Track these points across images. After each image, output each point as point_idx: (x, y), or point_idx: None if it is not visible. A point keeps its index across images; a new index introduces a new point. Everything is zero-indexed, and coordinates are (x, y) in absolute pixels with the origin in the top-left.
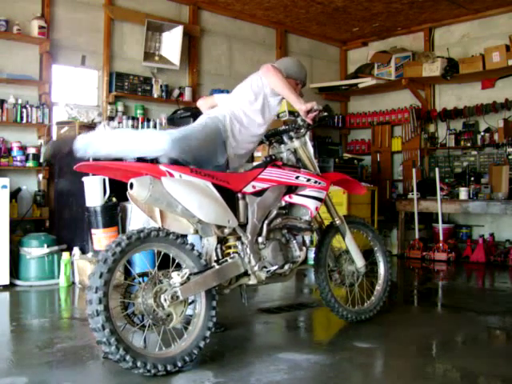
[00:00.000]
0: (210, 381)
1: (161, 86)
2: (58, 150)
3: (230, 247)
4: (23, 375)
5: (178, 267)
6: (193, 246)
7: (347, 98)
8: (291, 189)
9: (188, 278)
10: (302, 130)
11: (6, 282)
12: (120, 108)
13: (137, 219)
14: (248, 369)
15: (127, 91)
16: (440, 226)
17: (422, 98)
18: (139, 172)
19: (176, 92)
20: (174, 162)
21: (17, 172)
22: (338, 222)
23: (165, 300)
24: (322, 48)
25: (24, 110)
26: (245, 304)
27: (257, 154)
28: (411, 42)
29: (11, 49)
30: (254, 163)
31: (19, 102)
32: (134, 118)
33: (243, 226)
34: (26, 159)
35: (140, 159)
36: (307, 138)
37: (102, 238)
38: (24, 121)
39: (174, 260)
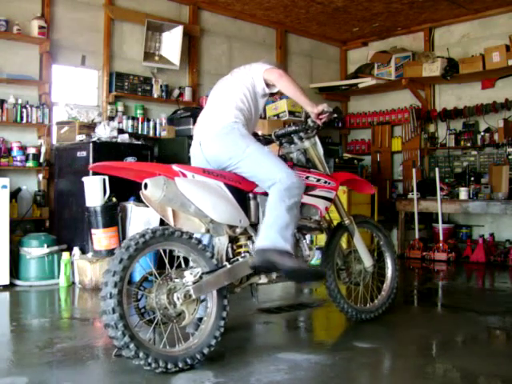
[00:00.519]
0: (210, 381)
1: (161, 86)
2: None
3: (241, 246)
4: (23, 375)
5: (181, 266)
6: (212, 254)
7: (347, 98)
8: None
9: (200, 277)
10: (312, 131)
11: (6, 281)
12: (120, 108)
13: (137, 219)
14: (248, 369)
15: (127, 91)
16: (440, 226)
17: (422, 98)
18: (153, 172)
19: (176, 92)
20: None
21: (17, 172)
22: (346, 222)
23: (178, 298)
24: (322, 48)
25: (24, 110)
26: (255, 303)
27: None
28: (411, 42)
29: (11, 49)
30: None
31: (19, 101)
32: (134, 118)
33: (254, 226)
34: (26, 159)
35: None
36: (317, 138)
37: (101, 238)
38: (24, 121)
39: (180, 259)
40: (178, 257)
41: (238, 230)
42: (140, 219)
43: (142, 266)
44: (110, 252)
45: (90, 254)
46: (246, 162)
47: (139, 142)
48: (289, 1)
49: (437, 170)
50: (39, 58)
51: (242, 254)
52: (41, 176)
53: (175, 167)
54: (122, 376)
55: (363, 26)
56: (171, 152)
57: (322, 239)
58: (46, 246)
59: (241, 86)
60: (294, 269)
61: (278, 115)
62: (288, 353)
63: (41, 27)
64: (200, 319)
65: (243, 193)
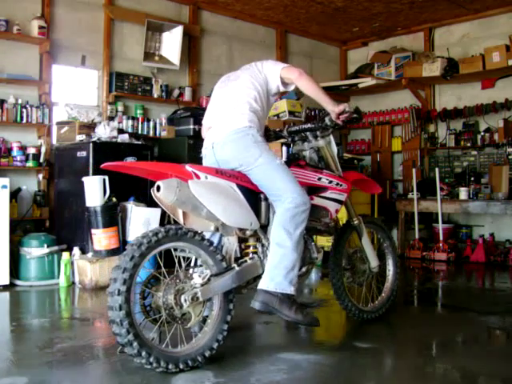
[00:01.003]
0: (210, 381)
1: (161, 86)
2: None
3: (249, 246)
4: (23, 375)
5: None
6: (223, 257)
7: (347, 98)
8: (312, 189)
9: (209, 280)
10: (328, 130)
11: (6, 281)
12: (120, 108)
13: (137, 219)
14: (248, 369)
15: (127, 91)
16: (440, 226)
17: (422, 98)
18: (165, 173)
19: (176, 92)
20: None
21: (17, 172)
22: (356, 222)
23: (185, 300)
24: (322, 48)
25: (24, 110)
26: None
27: None
28: (411, 42)
29: (11, 49)
30: None
31: (19, 101)
32: (134, 118)
33: (264, 227)
34: (26, 159)
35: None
36: (332, 137)
37: (101, 238)
38: (24, 121)
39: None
40: (178, 257)
41: (248, 232)
42: (140, 219)
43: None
44: (110, 252)
45: (90, 254)
46: (256, 172)
47: (139, 142)
48: (289, 1)
49: (437, 170)
50: (39, 57)
51: (250, 256)
52: (41, 176)
53: (188, 167)
54: (121, 376)
55: (363, 26)
56: (171, 152)
57: (321, 239)
58: (45, 245)
59: (254, 84)
60: (289, 319)
61: (278, 115)
62: (288, 353)
63: (41, 27)
64: (204, 320)
65: (255, 193)
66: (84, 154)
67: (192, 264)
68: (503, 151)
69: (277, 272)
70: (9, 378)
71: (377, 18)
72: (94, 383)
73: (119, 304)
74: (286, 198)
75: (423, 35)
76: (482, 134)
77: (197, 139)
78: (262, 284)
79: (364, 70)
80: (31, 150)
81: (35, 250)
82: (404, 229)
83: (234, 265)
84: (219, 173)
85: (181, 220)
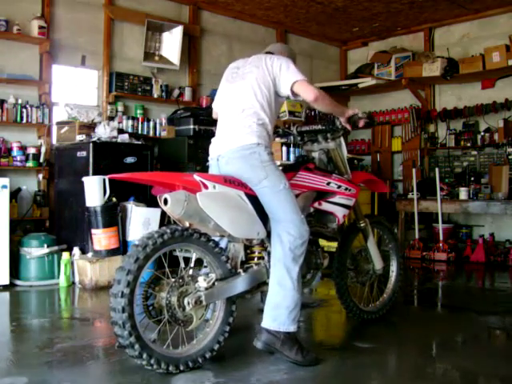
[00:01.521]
0: (210, 381)
1: (161, 86)
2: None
3: (254, 251)
4: (23, 375)
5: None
6: (228, 258)
7: (347, 98)
8: (320, 194)
9: (213, 284)
10: (338, 132)
11: (6, 281)
12: (120, 108)
13: (137, 219)
14: (248, 369)
15: (127, 91)
16: (440, 226)
17: (422, 98)
18: (173, 184)
19: (176, 92)
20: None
21: (17, 172)
22: (362, 225)
23: (188, 303)
24: (322, 48)
25: (24, 110)
26: (263, 309)
27: None
28: (411, 42)
29: (11, 49)
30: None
31: (19, 101)
32: (134, 118)
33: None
34: (26, 159)
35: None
36: (342, 139)
37: (102, 238)
38: (24, 121)
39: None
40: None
41: (255, 241)
42: (140, 219)
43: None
44: (110, 252)
45: (90, 254)
46: (258, 192)
47: (139, 142)
48: (289, 1)
49: (437, 170)
50: (39, 58)
51: (256, 261)
52: (41, 176)
53: (196, 177)
54: (121, 376)
55: (363, 26)
56: (171, 152)
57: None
58: (46, 246)
59: (262, 88)
60: (290, 360)
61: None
62: None
63: (41, 27)
64: (206, 320)
65: None
66: (84, 153)
67: (194, 264)
68: (503, 151)
69: (279, 312)
70: (9, 377)
71: (377, 18)
72: (94, 383)
73: (122, 306)
74: (285, 227)
75: (423, 35)
76: (482, 133)
77: (197, 139)
78: (265, 323)
79: (364, 70)
80: (31, 150)
81: (35, 250)
82: (404, 229)
83: (240, 270)
84: (228, 181)
85: (186, 225)
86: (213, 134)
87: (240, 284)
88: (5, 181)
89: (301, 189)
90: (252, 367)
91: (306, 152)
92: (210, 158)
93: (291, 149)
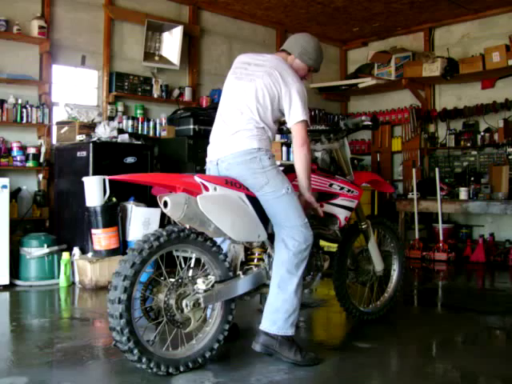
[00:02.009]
0: (210, 381)
1: (161, 86)
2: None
3: (254, 253)
4: (23, 375)
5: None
6: (226, 256)
7: (347, 98)
8: (322, 195)
9: (212, 286)
10: (342, 133)
11: (6, 281)
12: (120, 108)
13: (137, 219)
14: (248, 369)
15: (127, 91)
16: (440, 226)
17: (422, 97)
18: (173, 186)
19: (176, 92)
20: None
21: (17, 172)
22: (364, 226)
23: (186, 305)
24: (322, 48)
25: (24, 110)
26: (262, 310)
27: None
28: (411, 42)
29: (11, 49)
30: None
31: (19, 101)
32: (134, 118)
33: (271, 236)
34: (26, 159)
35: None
36: (346, 140)
37: (101, 238)
38: (24, 121)
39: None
40: (178, 257)
41: (256, 244)
42: (140, 219)
43: None
44: (110, 252)
45: (89, 254)
46: (260, 198)
47: (139, 142)
48: (289, 1)
49: (437, 170)
50: (39, 58)
51: (256, 262)
52: (41, 176)
53: (197, 178)
54: (121, 376)
55: (363, 26)
56: (171, 152)
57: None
58: (46, 246)
59: (266, 97)
60: (289, 361)
61: None
62: None
63: (41, 27)
64: (204, 319)
65: None
66: (84, 153)
67: (191, 264)
68: (503, 151)
69: (278, 316)
70: (9, 377)
71: (377, 18)
72: (94, 383)
73: (120, 312)
74: (288, 232)
75: (423, 35)
76: (482, 134)
77: (197, 139)
78: (264, 326)
79: (364, 70)
80: (31, 150)
81: (35, 250)
82: (404, 229)
83: (239, 272)
84: (229, 183)
85: (186, 226)
86: None
87: (239, 286)
88: (5, 181)
89: None
90: (252, 367)
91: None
92: (208, 161)
93: (291, 149)
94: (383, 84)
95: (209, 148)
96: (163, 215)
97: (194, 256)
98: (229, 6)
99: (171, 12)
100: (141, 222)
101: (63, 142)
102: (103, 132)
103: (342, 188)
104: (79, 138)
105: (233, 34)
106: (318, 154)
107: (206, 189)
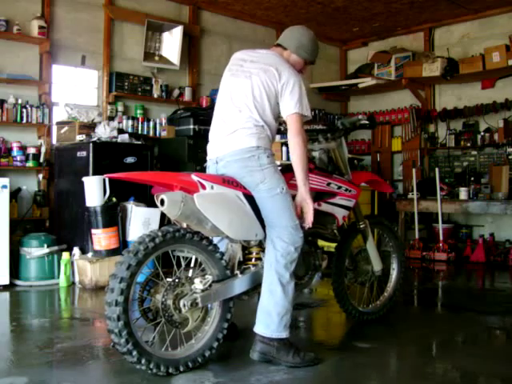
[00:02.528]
0: (210, 381)
1: (161, 86)
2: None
3: (252, 252)
4: (23, 375)
5: (188, 266)
6: (222, 254)
7: (347, 98)
8: (320, 195)
9: (210, 285)
10: (339, 133)
11: (6, 281)
12: (120, 108)
13: (137, 219)
14: (248, 369)
15: (127, 91)
16: (440, 226)
17: (422, 97)
18: (170, 184)
19: (176, 92)
20: None
21: (17, 172)
22: (362, 226)
23: (184, 305)
24: (322, 48)
25: (24, 110)
26: None
27: None
28: (411, 42)
29: (11, 49)
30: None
31: (19, 101)
32: (134, 118)
33: None
34: (26, 159)
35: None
36: (343, 139)
37: (101, 238)
38: (24, 121)
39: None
40: (177, 257)
41: (253, 243)
42: (140, 219)
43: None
44: (110, 252)
45: (90, 254)
46: (256, 196)
47: (139, 142)
48: (289, 1)
49: (437, 170)
50: (39, 58)
51: (253, 262)
52: (41, 176)
53: (194, 177)
54: (121, 376)
55: (363, 26)
56: (171, 152)
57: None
58: (46, 246)
59: (264, 94)
60: (288, 365)
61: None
62: None
63: (41, 27)
64: (203, 318)
65: None
66: (84, 154)
67: (191, 263)
68: (503, 151)
69: (271, 319)
70: (9, 378)
71: (377, 18)
72: (94, 383)
73: (117, 315)
74: (278, 232)
75: (423, 35)
76: (482, 134)
77: (197, 139)
78: (258, 329)
79: (364, 70)
80: (31, 150)
81: (35, 250)
82: (404, 229)
83: (237, 271)
84: (226, 182)
85: (183, 225)
86: None
87: (237, 286)
88: (5, 181)
89: None
90: (252, 367)
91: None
92: (208, 159)
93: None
94: (383, 84)
95: (208, 146)
96: (163, 215)
97: (191, 256)
98: (229, 6)
99: (171, 12)
100: (141, 222)
101: (63, 142)
102: (103, 132)
103: (339, 187)
104: (79, 138)
105: (233, 34)
106: (316, 154)
107: (203, 187)
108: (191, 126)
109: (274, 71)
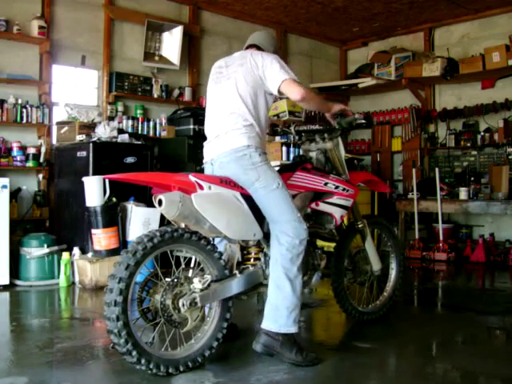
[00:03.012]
0: (210, 381)
1: (161, 86)
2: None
3: (251, 252)
4: (23, 375)
5: (187, 266)
6: (221, 254)
7: (347, 98)
8: (318, 195)
9: (209, 285)
10: (336, 132)
11: (6, 281)
12: (120, 108)
13: (137, 219)
14: (248, 369)
15: (127, 91)
16: (440, 226)
17: (422, 97)
18: (168, 185)
19: (176, 92)
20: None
21: (17, 172)
22: (360, 226)
23: (183, 305)
24: (322, 48)
25: (24, 110)
26: (261, 310)
27: None
28: (411, 42)
29: (11, 49)
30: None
31: (19, 101)
32: (134, 118)
33: (267, 235)
34: (26, 159)
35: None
36: (340, 139)
37: (101, 238)
38: (24, 121)
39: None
40: (175, 257)
41: (251, 243)
42: (140, 219)
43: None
44: (110, 252)
45: (90, 254)
46: (254, 195)
47: (139, 142)
48: (289, 1)
49: (437, 170)
50: (39, 58)
51: (252, 262)
52: (41, 176)
53: (192, 177)
54: (121, 376)
55: (363, 26)
56: (171, 152)
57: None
58: (46, 246)
59: (247, 88)
60: (290, 361)
61: (277, 115)
62: None
63: (41, 27)
64: (203, 318)
65: None
66: (84, 154)
67: (191, 264)
68: (503, 151)
69: (279, 314)
70: (9, 378)
71: (377, 18)
72: (94, 383)
73: (116, 315)
74: (281, 227)
75: (423, 35)
76: (482, 134)
77: (197, 139)
78: (265, 325)
79: (364, 70)
80: (31, 150)
81: (35, 250)
82: (404, 229)
83: (236, 271)
84: (223, 182)
85: (182, 225)
86: None
87: (235, 285)
88: (5, 181)
89: (298, 189)
90: (252, 367)
91: (303, 152)
92: (204, 162)
93: (291, 149)
94: (383, 84)
95: (204, 150)
96: (163, 215)
97: (189, 256)
98: (229, 6)
99: (171, 12)
100: (141, 222)
101: (63, 141)
102: (103, 132)
103: (337, 187)
104: (79, 137)
105: (233, 34)
106: (313, 154)
107: (201, 187)
108: (191, 126)
109: (249, 62)
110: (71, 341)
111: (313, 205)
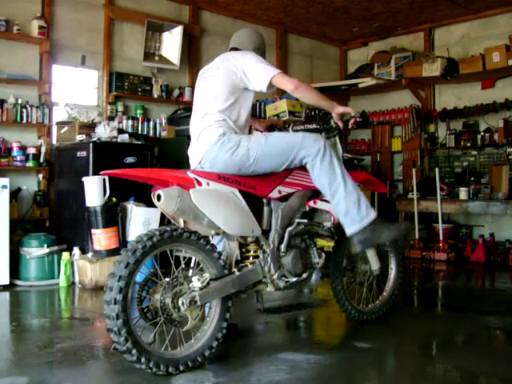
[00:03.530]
0: (210, 381)
1: (161, 86)
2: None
3: (250, 250)
4: (23, 375)
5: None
6: (220, 254)
7: (347, 98)
8: (316, 193)
9: (208, 284)
10: (333, 132)
11: (6, 281)
12: (120, 108)
13: (137, 219)
14: (248, 369)
15: (127, 91)
16: (440, 226)
17: (422, 97)
18: (167, 181)
19: (176, 92)
20: None
21: (17, 172)
22: None
23: (182, 304)
24: (322, 48)
25: (24, 110)
26: (261, 309)
27: None
28: (411, 42)
29: (11, 49)
30: None
31: (19, 101)
32: (134, 118)
33: (266, 233)
34: (26, 159)
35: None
36: (337, 138)
37: (101, 238)
38: (24, 121)
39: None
40: (175, 257)
41: (250, 239)
42: (140, 219)
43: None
44: (110, 252)
45: (89, 254)
46: (258, 165)
47: (139, 142)
48: (289, 1)
49: (437, 170)
50: (39, 58)
51: (251, 259)
52: (41, 176)
53: (190, 174)
54: (121, 376)
55: (363, 26)
56: (171, 152)
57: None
58: (46, 246)
59: (223, 90)
60: (391, 238)
61: (277, 115)
62: (288, 353)
63: (41, 27)
64: (202, 318)
65: (257, 199)
66: (84, 154)
67: (191, 263)
68: (503, 151)
69: (352, 214)
70: (9, 377)
71: (377, 18)
72: (94, 383)
73: (116, 313)
74: (300, 153)
75: (423, 35)
76: (482, 134)
77: None
78: (350, 231)
79: (364, 70)
80: (31, 150)
81: (35, 250)
82: None
83: (235, 269)
84: (221, 178)
85: (181, 225)
86: None
87: (235, 283)
88: (5, 181)
89: (296, 187)
90: (252, 367)
91: None
92: (191, 166)
93: None
94: (383, 84)
95: (189, 155)
96: (163, 216)
97: (189, 255)
98: (229, 6)
99: (171, 12)
100: (141, 221)
101: (63, 141)
102: (103, 132)
103: None
104: (79, 137)
105: (233, 34)
106: None
107: (199, 184)
108: None
109: (227, 64)
110: (71, 341)
111: (311, 203)
